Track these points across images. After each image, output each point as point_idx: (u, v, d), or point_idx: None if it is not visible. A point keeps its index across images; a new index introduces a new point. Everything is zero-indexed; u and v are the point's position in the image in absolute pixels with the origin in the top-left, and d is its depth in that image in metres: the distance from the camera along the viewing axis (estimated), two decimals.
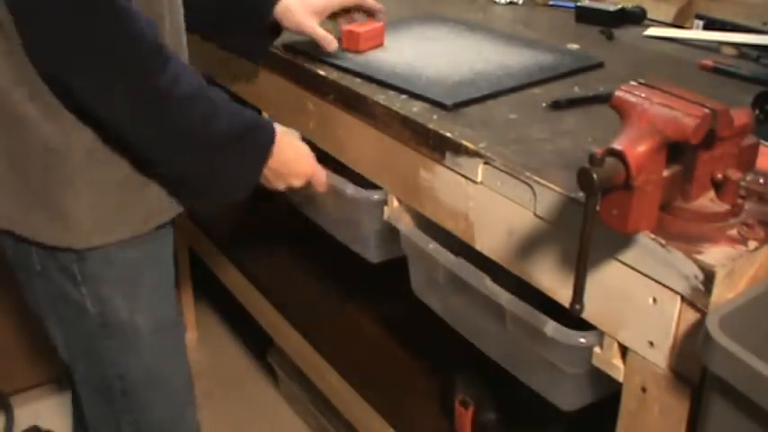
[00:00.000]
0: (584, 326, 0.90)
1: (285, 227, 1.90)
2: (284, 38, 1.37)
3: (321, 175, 1.15)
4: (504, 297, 1.02)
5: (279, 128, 1.06)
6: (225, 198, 1.06)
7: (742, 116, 0.77)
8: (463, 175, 1.00)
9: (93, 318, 1.04)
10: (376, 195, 1.23)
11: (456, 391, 1.42)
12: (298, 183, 1.12)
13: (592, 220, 0.70)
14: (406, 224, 1.21)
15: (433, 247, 1.13)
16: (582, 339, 0.92)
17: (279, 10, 1.21)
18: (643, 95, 0.73)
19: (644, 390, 0.84)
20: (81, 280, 1.01)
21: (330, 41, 1.23)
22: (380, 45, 1.31)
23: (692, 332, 0.76)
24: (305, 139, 1.22)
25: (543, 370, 1.02)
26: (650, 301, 0.80)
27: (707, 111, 0.71)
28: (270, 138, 1.04)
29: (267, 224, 1.99)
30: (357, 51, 1.27)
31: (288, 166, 1.09)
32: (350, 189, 1.26)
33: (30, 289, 1.07)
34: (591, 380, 0.97)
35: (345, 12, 1.29)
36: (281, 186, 1.11)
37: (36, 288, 1.06)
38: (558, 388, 1.02)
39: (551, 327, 0.96)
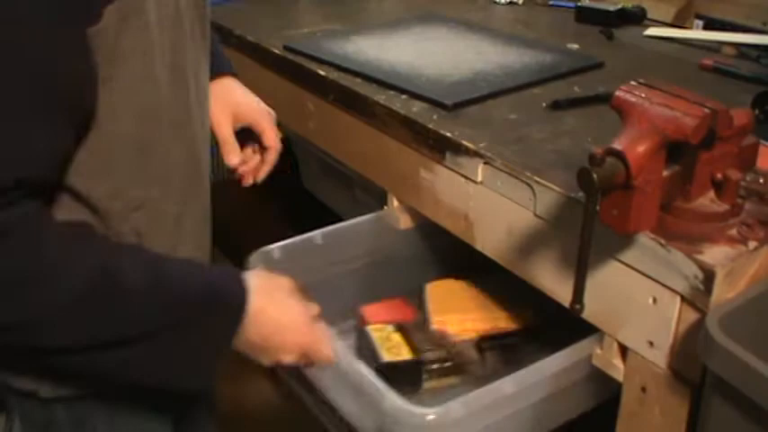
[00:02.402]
0: (583, 328, 0.90)
1: (288, 216, 1.90)
2: (284, 38, 1.38)
3: (324, 348, 0.87)
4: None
5: (257, 288, 0.82)
6: (179, 388, 0.84)
7: (742, 116, 0.77)
8: (463, 175, 1.00)
9: None
10: (431, 415, 0.85)
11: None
12: (289, 358, 0.86)
13: (592, 220, 0.70)
14: (404, 222, 1.21)
15: None
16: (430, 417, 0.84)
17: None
18: (643, 95, 0.73)
19: (644, 390, 0.84)
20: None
21: (232, 152, 1.04)
22: None
23: (692, 332, 0.76)
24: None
25: None
26: (650, 301, 0.80)
27: (707, 111, 0.71)
28: (235, 312, 0.80)
29: (265, 218, 2.00)
30: None
31: (271, 339, 0.83)
32: (388, 400, 0.87)
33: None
34: None
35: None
36: (266, 362, 0.86)
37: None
38: None
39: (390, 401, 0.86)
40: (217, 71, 1.02)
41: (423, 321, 1.21)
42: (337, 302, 1.19)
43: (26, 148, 0.68)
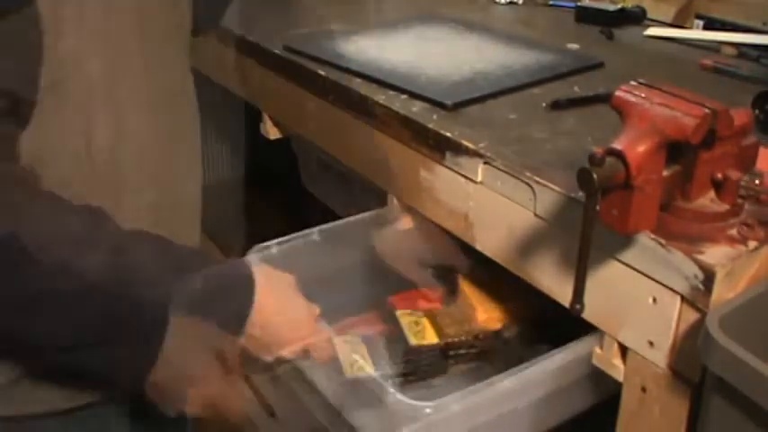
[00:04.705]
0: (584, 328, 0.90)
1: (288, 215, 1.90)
2: (284, 38, 1.38)
3: (323, 345, 0.88)
4: None
5: (263, 280, 0.82)
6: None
7: (742, 116, 0.77)
8: (463, 175, 1.00)
9: None
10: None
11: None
12: (289, 354, 0.86)
13: (592, 220, 0.70)
14: (405, 222, 1.21)
15: None
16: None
17: None
18: (643, 95, 0.73)
19: (644, 390, 0.84)
20: None
21: None
22: None
23: (692, 332, 0.76)
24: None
25: None
26: (650, 300, 0.80)
27: (707, 111, 0.71)
28: (245, 299, 0.80)
29: (264, 218, 1.99)
30: None
31: (274, 332, 0.83)
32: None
33: None
34: None
35: None
36: (265, 356, 0.85)
37: None
38: None
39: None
40: None
41: (452, 310, 1.21)
42: (339, 298, 1.19)
43: None
